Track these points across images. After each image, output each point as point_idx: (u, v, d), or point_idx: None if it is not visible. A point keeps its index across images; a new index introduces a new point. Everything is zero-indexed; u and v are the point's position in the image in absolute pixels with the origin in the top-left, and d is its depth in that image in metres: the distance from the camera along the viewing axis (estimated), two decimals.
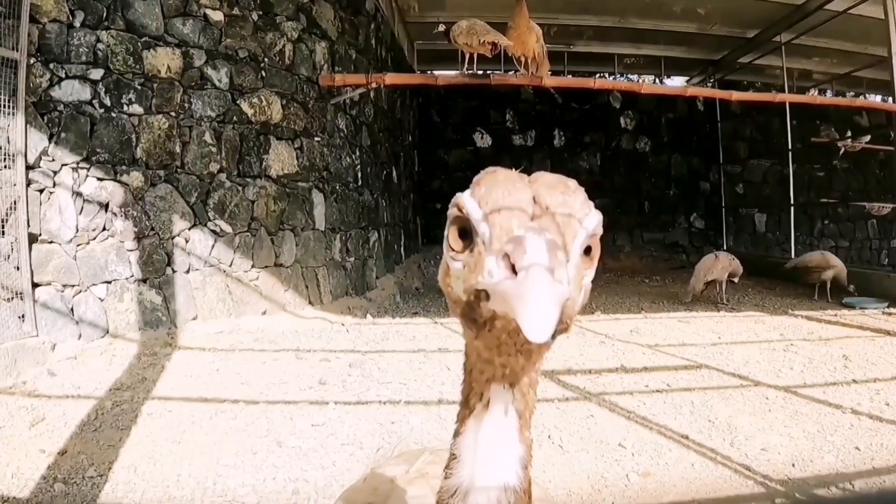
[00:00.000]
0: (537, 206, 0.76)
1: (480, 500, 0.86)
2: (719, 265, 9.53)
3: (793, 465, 3.64)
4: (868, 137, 14.16)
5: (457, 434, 0.91)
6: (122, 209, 6.33)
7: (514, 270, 0.70)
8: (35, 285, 5.52)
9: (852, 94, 17.86)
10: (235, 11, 7.41)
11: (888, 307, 9.13)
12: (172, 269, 6.73)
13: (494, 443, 0.88)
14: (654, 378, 5.42)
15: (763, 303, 9.86)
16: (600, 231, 0.81)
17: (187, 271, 6.85)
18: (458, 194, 0.82)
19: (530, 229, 0.73)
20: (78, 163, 5.99)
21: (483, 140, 17.27)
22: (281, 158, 7.87)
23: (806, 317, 8.44)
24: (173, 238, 6.74)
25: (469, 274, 0.78)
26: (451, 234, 0.83)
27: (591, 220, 0.79)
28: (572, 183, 0.82)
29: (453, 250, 0.83)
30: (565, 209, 0.77)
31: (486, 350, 0.84)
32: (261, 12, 7.70)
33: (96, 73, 6.18)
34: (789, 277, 10.99)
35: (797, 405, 4.69)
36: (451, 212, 0.83)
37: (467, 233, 0.81)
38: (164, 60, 6.73)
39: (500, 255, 0.72)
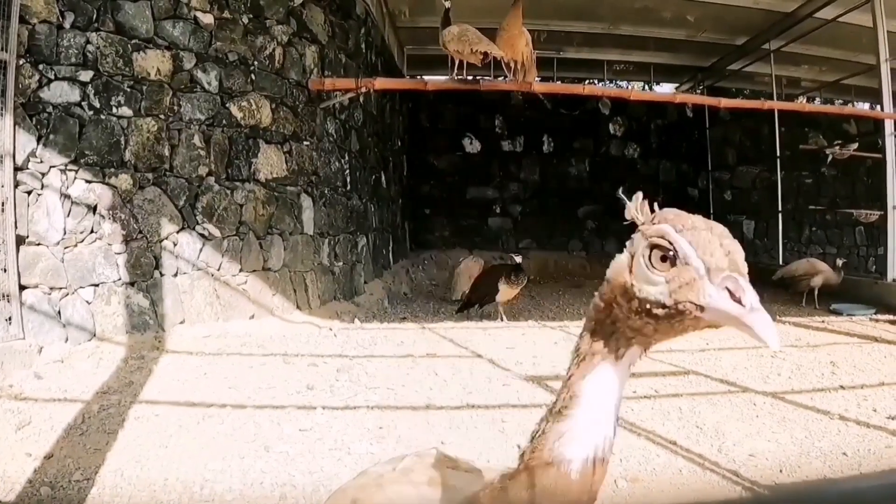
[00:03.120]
0: (724, 246, 1.03)
1: (597, 438, 1.07)
2: None
3: (780, 471, 3.65)
4: (856, 145, 14.21)
5: (577, 377, 1.12)
6: (110, 212, 6.31)
7: (735, 300, 0.98)
8: (22, 287, 5.49)
9: (841, 101, 17.94)
10: (226, 14, 7.40)
11: (875, 313, 9.18)
12: (160, 273, 6.70)
13: (614, 390, 1.10)
14: (642, 384, 5.43)
15: None
16: None
17: (175, 275, 6.82)
18: (663, 226, 1.06)
19: (735, 271, 1.01)
20: (66, 164, 5.97)
21: (472, 145, 17.27)
22: (270, 162, 7.86)
23: (794, 323, 8.47)
24: (161, 241, 6.72)
25: (680, 289, 1.01)
26: (654, 257, 1.05)
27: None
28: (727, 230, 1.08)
29: (654, 268, 1.05)
30: (742, 255, 1.04)
31: (653, 331, 1.08)
32: (251, 16, 7.69)
33: (85, 75, 6.16)
34: (778, 285, 11.03)
35: (785, 411, 4.71)
36: (654, 240, 1.06)
37: (666, 258, 1.04)
38: (153, 63, 6.71)
39: (720, 286, 0.99)
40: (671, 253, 1.04)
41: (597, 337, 1.13)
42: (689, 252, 1.02)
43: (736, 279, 0.99)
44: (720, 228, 1.05)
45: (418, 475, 1.34)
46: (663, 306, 1.03)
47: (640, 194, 1.19)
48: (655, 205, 1.19)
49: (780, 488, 3.46)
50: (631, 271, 1.08)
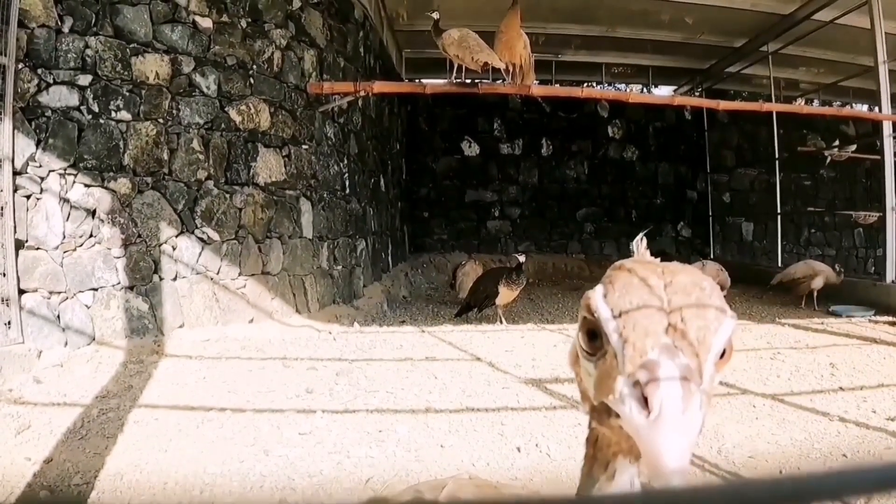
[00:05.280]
0: (672, 314, 0.76)
1: None
2: (705, 274, 9.55)
3: (780, 473, 3.65)
4: (854, 146, 14.23)
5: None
6: (110, 216, 6.31)
7: (646, 403, 0.70)
8: (21, 292, 5.49)
9: (839, 103, 17.95)
10: (224, 19, 7.40)
11: (874, 315, 9.17)
12: (159, 277, 6.70)
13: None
14: None
15: (750, 311, 9.89)
16: (732, 335, 0.80)
17: (174, 279, 6.82)
18: (589, 293, 0.82)
19: (665, 351, 0.73)
20: (65, 169, 5.97)
21: (471, 148, 17.28)
22: (269, 166, 7.86)
23: (793, 325, 8.46)
24: (160, 245, 6.72)
25: (600, 382, 0.78)
26: (580, 336, 0.83)
27: (725, 331, 0.78)
28: (707, 284, 0.81)
29: (584, 350, 0.83)
30: (701, 322, 0.75)
31: (614, 436, 0.82)
32: (250, 20, 7.69)
33: (84, 79, 6.17)
34: (778, 289, 11.00)
35: (784, 413, 4.71)
36: (582, 313, 0.83)
37: (596, 335, 0.80)
38: (152, 67, 6.72)
39: (631, 379, 0.72)
40: (598, 328, 0.79)
41: (589, 444, 0.89)
42: (607, 324, 0.77)
43: (653, 364, 0.71)
44: (684, 281, 0.80)
45: None
46: (591, 401, 0.83)
47: (639, 237, 1.00)
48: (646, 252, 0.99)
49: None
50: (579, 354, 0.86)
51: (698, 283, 0.80)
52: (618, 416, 0.74)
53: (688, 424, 0.68)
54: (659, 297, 0.77)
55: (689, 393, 0.70)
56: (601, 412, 0.79)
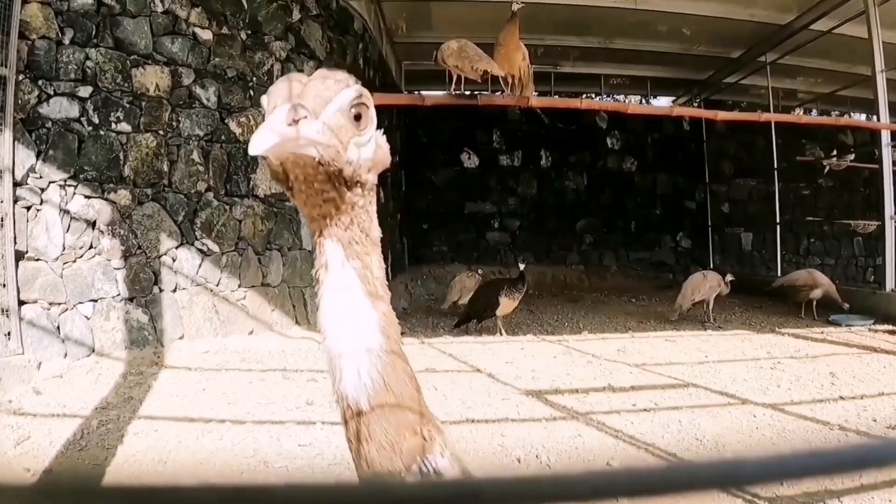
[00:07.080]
0: (300, 93, 1.04)
1: (345, 363, 1.13)
2: (707, 284, 9.54)
3: (781, 483, 3.63)
4: (853, 156, 14.24)
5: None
6: (110, 227, 6.32)
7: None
8: (21, 303, 5.49)
9: (837, 112, 17.97)
10: (224, 31, 7.43)
11: (874, 324, 9.16)
12: (159, 288, 6.70)
13: (344, 302, 1.10)
14: (642, 397, 5.42)
15: (750, 321, 9.88)
16: (366, 102, 1.19)
17: (174, 290, 6.82)
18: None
19: (285, 103, 1.00)
20: (65, 180, 5.99)
21: (470, 160, 17.28)
22: (268, 178, 7.85)
23: (792, 335, 8.46)
24: (160, 257, 6.72)
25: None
26: None
27: (343, 96, 1.10)
28: (341, 76, 1.14)
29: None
30: (319, 89, 1.06)
31: (302, 206, 1.15)
32: (249, 32, 7.72)
33: (85, 91, 6.19)
34: (776, 296, 11.00)
35: (785, 422, 4.70)
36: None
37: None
38: (152, 79, 6.74)
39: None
40: None
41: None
42: (266, 105, 1.06)
43: (275, 108, 1.00)
44: (316, 79, 1.09)
45: None
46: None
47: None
48: None
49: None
50: None
51: (328, 77, 1.11)
52: None
53: (284, 129, 0.96)
54: (294, 86, 1.05)
55: (296, 114, 0.98)
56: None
